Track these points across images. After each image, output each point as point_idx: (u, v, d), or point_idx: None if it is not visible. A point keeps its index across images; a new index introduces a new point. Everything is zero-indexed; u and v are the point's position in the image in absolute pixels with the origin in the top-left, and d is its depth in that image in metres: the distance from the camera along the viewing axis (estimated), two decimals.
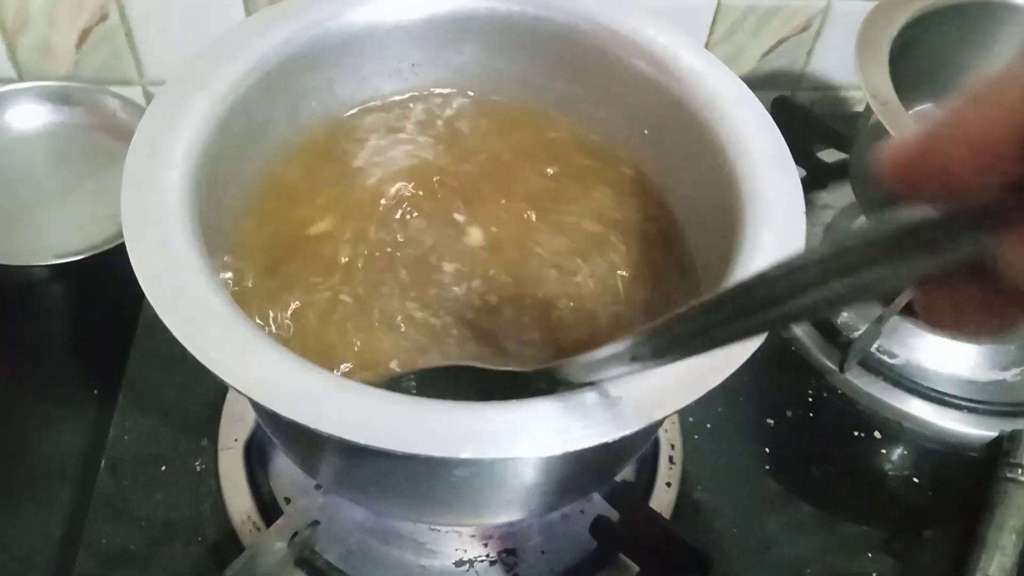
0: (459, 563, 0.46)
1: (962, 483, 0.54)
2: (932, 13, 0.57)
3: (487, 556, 0.46)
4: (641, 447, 0.45)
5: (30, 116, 0.64)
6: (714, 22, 0.68)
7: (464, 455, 0.27)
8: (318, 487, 0.45)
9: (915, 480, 0.54)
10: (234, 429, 0.49)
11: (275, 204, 0.41)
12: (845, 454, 0.55)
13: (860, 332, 0.57)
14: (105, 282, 0.56)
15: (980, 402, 0.56)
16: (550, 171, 0.44)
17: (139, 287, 0.30)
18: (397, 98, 0.45)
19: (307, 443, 0.37)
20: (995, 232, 0.15)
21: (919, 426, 0.55)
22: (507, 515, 0.39)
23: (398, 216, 0.43)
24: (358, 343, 0.38)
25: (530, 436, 0.28)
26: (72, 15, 0.63)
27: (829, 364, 0.57)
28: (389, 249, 0.41)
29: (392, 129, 0.45)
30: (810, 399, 0.56)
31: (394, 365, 0.37)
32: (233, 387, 0.28)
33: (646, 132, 0.43)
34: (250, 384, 0.28)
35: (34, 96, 0.64)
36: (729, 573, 0.48)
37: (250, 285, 0.38)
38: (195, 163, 0.35)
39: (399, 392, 0.29)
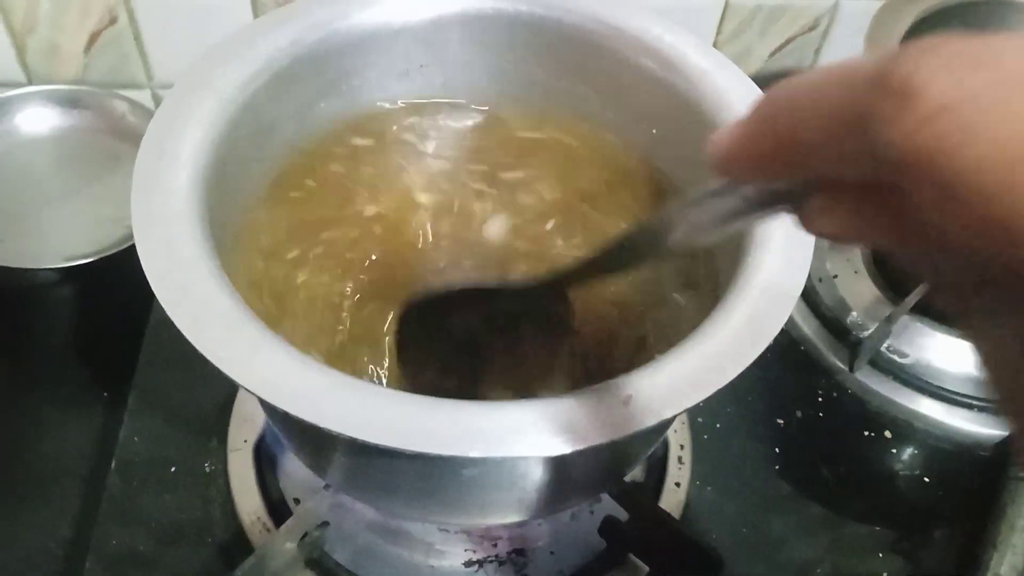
0: (468, 563, 0.46)
1: (973, 482, 0.53)
2: (941, 11, 0.57)
3: (496, 556, 0.46)
4: (651, 447, 0.45)
5: (39, 120, 0.64)
6: (721, 21, 0.68)
7: (473, 454, 0.27)
8: (327, 487, 0.45)
9: (925, 480, 0.53)
10: (243, 430, 0.50)
11: (283, 206, 0.42)
12: (855, 454, 0.54)
13: (870, 331, 0.57)
14: (113, 285, 0.56)
15: (991, 401, 0.56)
16: (562, 173, 0.44)
17: (148, 289, 0.30)
18: (405, 101, 0.45)
19: (316, 442, 0.37)
20: (800, 205, 0.19)
21: (929, 425, 0.55)
22: (516, 515, 0.39)
23: (407, 219, 0.43)
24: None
25: (539, 435, 0.28)
26: (80, 18, 0.63)
27: (839, 363, 0.57)
28: (397, 250, 0.41)
29: (399, 133, 0.45)
30: (820, 399, 0.56)
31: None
32: (241, 385, 0.28)
33: (655, 132, 0.43)
34: (258, 382, 0.28)
35: (43, 100, 0.65)
36: (739, 573, 0.48)
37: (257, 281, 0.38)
38: (204, 164, 0.35)
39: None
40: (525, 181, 0.44)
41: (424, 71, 0.44)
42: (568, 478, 0.37)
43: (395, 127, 0.45)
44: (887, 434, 0.55)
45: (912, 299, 0.55)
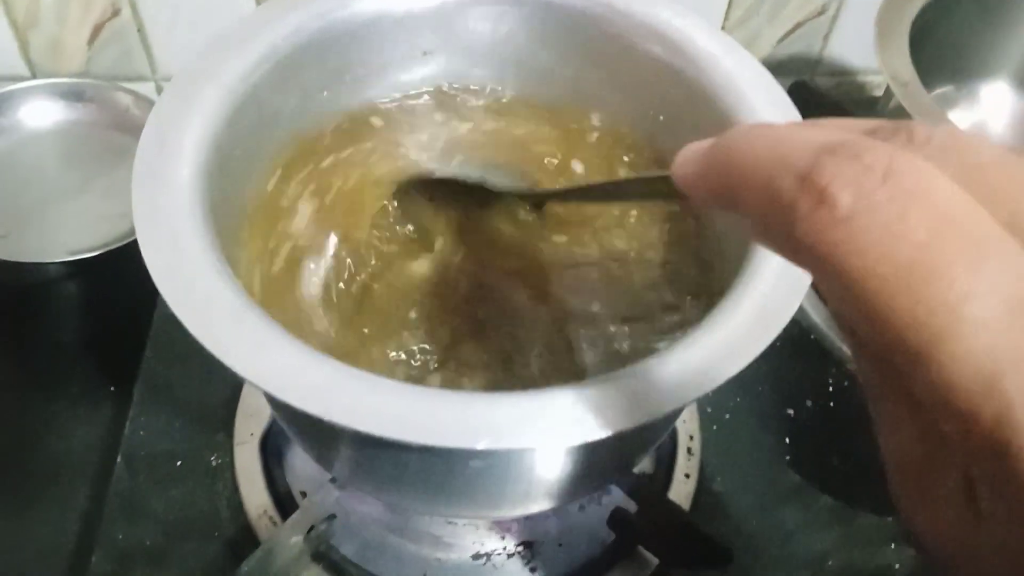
0: (476, 556, 0.46)
1: None
2: None
3: (504, 549, 0.46)
4: (659, 438, 0.45)
5: (42, 114, 0.64)
6: (729, 7, 0.67)
7: (479, 446, 0.27)
8: (334, 481, 0.44)
9: None
10: (250, 424, 0.49)
11: (287, 196, 0.41)
12: (867, 444, 0.53)
13: None
14: (119, 279, 0.56)
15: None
16: (568, 161, 0.44)
17: (153, 283, 0.30)
18: (410, 88, 0.45)
19: (322, 436, 0.37)
20: None
21: None
22: (524, 507, 0.39)
23: (412, 210, 0.42)
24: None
25: (546, 426, 0.27)
26: (83, 11, 0.63)
27: (850, 352, 0.56)
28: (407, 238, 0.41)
29: (404, 120, 0.45)
30: (831, 388, 0.56)
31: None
32: (246, 379, 0.28)
33: (662, 118, 0.42)
34: (263, 375, 0.28)
35: (46, 93, 0.64)
36: (748, 565, 0.48)
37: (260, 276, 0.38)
38: (206, 156, 0.35)
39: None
40: (532, 164, 0.44)
41: (429, 58, 0.44)
42: (576, 470, 0.36)
43: (400, 115, 0.45)
44: None
45: None
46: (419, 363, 0.38)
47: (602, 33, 0.41)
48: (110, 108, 0.65)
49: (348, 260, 0.40)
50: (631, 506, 0.46)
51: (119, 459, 0.48)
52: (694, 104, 0.39)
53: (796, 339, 0.57)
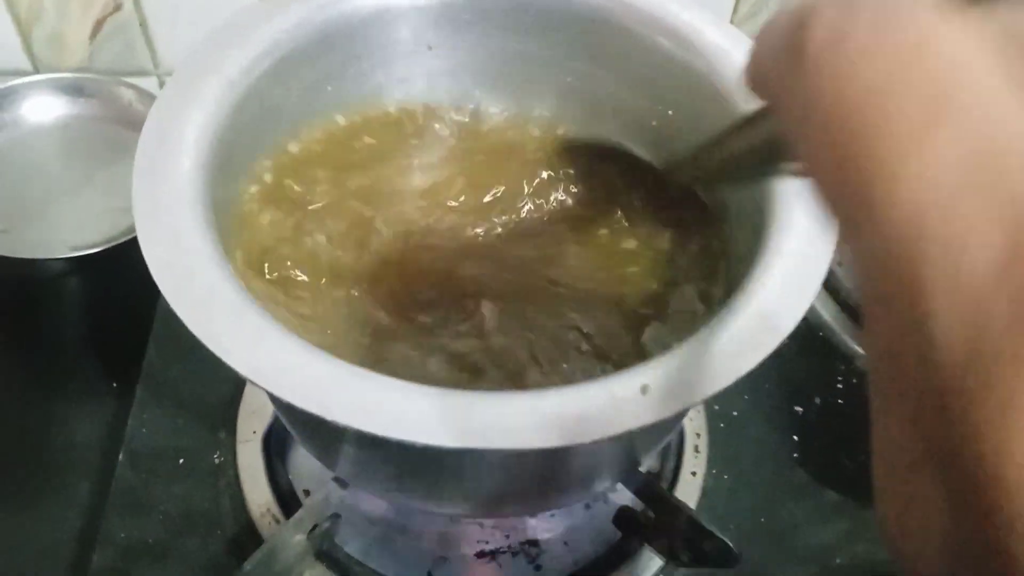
0: (480, 554, 0.45)
1: None
2: None
3: (509, 547, 0.46)
4: (666, 436, 0.44)
5: (45, 108, 0.64)
6: (738, 1, 0.66)
7: (483, 446, 0.27)
8: (337, 479, 0.44)
9: None
10: (252, 421, 0.49)
11: (289, 192, 0.41)
12: None
13: None
14: (121, 274, 0.56)
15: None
16: (569, 167, 0.43)
17: None
18: (414, 83, 0.44)
19: (323, 434, 0.36)
20: None
21: None
22: (529, 506, 0.38)
23: (417, 205, 0.42)
24: None
25: (552, 426, 0.27)
26: (85, 6, 0.62)
27: (859, 349, 0.56)
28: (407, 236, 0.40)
29: (408, 115, 0.44)
30: (839, 385, 0.55)
31: None
32: (245, 376, 0.27)
33: (670, 113, 0.41)
34: (263, 373, 0.27)
35: (48, 88, 0.64)
36: (756, 561, 0.47)
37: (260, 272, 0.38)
38: (207, 150, 0.34)
39: None
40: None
41: (433, 53, 0.43)
42: (582, 469, 0.36)
43: (404, 110, 0.44)
44: None
45: None
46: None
47: (609, 27, 0.41)
48: (112, 103, 0.64)
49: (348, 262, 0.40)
50: (637, 504, 0.46)
51: (121, 456, 0.48)
52: (702, 97, 0.39)
53: (804, 336, 0.57)
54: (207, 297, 0.29)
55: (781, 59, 0.17)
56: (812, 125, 0.16)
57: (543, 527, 0.46)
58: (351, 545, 0.45)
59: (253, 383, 0.27)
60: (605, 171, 0.43)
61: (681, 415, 0.40)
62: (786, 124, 0.17)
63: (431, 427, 0.27)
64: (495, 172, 0.43)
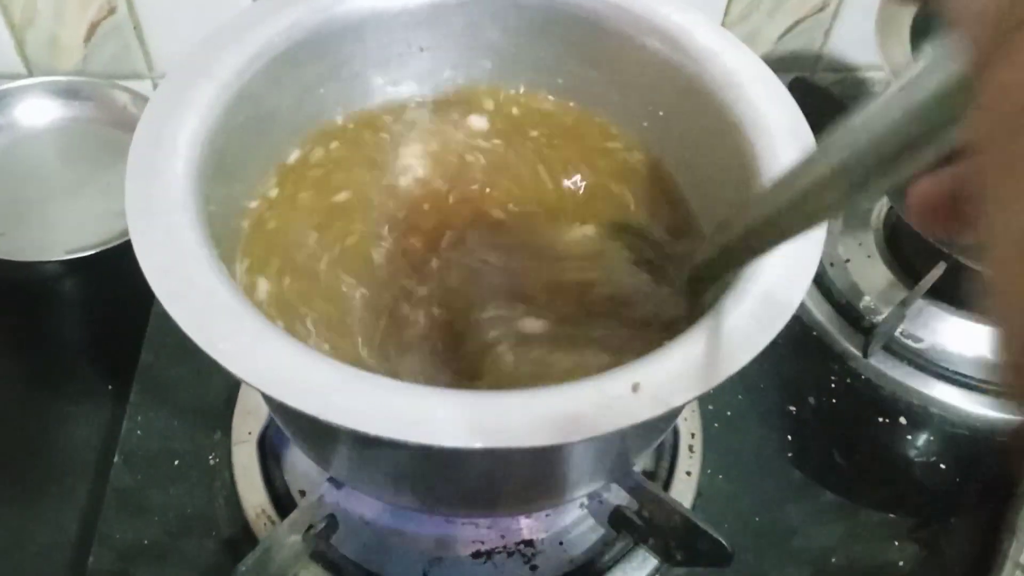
0: (476, 555, 0.45)
1: (990, 468, 0.52)
2: None
3: (504, 547, 0.46)
4: (660, 435, 0.44)
5: (39, 112, 0.64)
6: (730, 3, 0.67)
7: (477, 445, 0.27)
8: (332, 480, 0.44)
9: (941, 466, 0.53)
10: (248, 422, 0.49)
11: (284, 194, 0.41)
12: (869, 441, 0.54)
13: (884, 316, 0.56)
14: (116, 277, 0.55)
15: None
16: (564, 166, 0.44)
17: None
18: (406, 85, 0.44)
19: (318, 435, 0.36)
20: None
21: (945, 411, 0.54)
22: (523, 506, 0.38)
23: (410, 205, 0.42)
24: None
25: (545, 425, 0.27)
26: (80, 9, 0.62)
27: (852, 349, 0.56)
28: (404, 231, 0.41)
29: (401, 116, 0.44)
30: (833, 385, 0.55)
31: None
32: (240, 378, 0.27)
33: (661, 114, 0.42)
34: (258, 375, 0.27)
35: (43, 91, 0.64)
36: (751, 562, 0.47)
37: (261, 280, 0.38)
38: (200, 152, 0.34)
39: None
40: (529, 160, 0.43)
41: (425, 54, 0.44)
42: (576, 468, 0.36)
43: (397, 111, 0.44)
44: (902, 420, 0.54)
45: (927, 283, 0.54)
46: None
47: (601, 29, 0.41)
48: (107, 106, 0.64)
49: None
50: (632, 504, 0.46)
51: (117, 458, 0.48)
52: (693, 99, 0.39)
53: (798, 336, 0.57)
54: (201, 299, 0.29)
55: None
56: None
57: (538, 527, 0.46)
58: (346, 546, 0.45)
59: (247, 384, 0.27)
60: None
61: (674, 414, 0.40)
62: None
63: (425, 427, 0.27)
64: (488, 172, 0.43)
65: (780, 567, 0.48)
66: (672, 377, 0.29)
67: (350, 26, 0.41)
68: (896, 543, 0.49)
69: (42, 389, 0.53)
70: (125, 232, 0.56)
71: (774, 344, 0.29)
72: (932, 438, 0.54)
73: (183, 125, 0.34)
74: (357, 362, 0.36)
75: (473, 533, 0.46)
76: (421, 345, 0.37)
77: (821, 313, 0.58)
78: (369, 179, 0.42)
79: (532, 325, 0.37)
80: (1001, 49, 0.16)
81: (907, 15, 0.54)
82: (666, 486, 0.49)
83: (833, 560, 0.48)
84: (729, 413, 0.53)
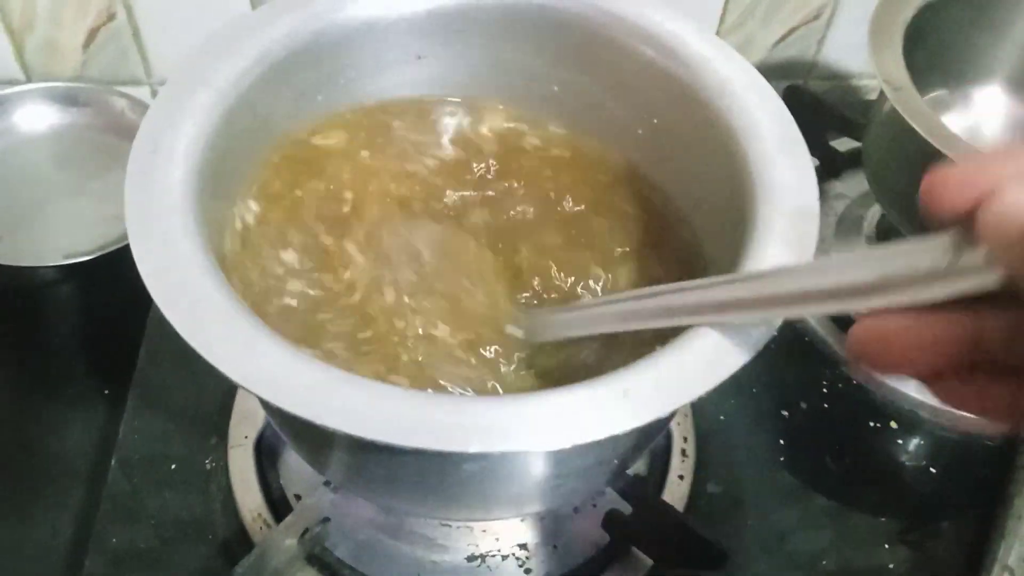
0: (471, 558, 0.46)
1: (980, 472, 0.53)
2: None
3: (499, 551, 0.46)
4: (653, 439, 0.45)
5: (37, 117, 0.64)
6: (724, 11, 0.67)
7: (472, 449, 0.27)
8: (328, 484, 0.44)
9: (932, 470, 0.53)
10: (244, 426, 0.49)
11: (281, 201, 0.41)
12: (861, 445, 0.54)
13: None
14: (114, 282, 0.56)
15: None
16: (553, 174, 0.44)
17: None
18: (403, 92, 0.45)
19: (314, 439, 0.37)
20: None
21: (936, 415, 0.55)
22: (518, 510, 0.39)
23: (406, 210, 0.42)
24: None
25: (538, 429, 0.28)
26: (79, 15, 0.63)
27: (844, 354, 0.57)
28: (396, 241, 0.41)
29: (398, 124, 0.45)
30: (825, 390, 0.56)
31: None
32: (236, 382, 0.28)
33: (656, 121, 0.42)
34: (254, 379, 0.28)
35: (41, 97, 0.64)
36: (743, 566, 0.48)
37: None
38: (198, 159, 0.35)
39: None
40: (521, 173, 0.44)
41: (422, 62, 0.44)
42: (570, 472, 0.36)
43: (393, 119, 0.45)
44: (893, 425, 0.55)
45: None
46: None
47: (596, 37, 0.41)
48: (105, 112, 0.65)
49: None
50: (626, 508, 0.46)
51: (113, 462, 0.48)
52: (686, 107, 0.39)
53: (790, 341, 0.57)
54: (198, 304, 0.29)
55: None
56: None
57: (532, 531, 0.47)
58: (342, 549, 0.45)
59: (244, 389, 0.28)
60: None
61: (667, 419, 0.40)
62: None
63: (420, 431, 0.27)
64: (483, 179, 0.44)
65: (771, 571, 0.48)
66: (666, 382, 0.29)
67: (348, 33, 0.41)
68: (887, 546, 0.50)
69: (38, 393, 0.54)
70: (123, 237, 0.57)
71: (766, 349, 0.30)
72: (922, 442, 0.54)
73: (182, 132, 0.35)
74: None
75: (467, 536, 0.46)
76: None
77: (813, 318, 0.58)
78: (363, 187, 0.43)
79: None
80: None
81: (900, 25, 0.54)
82: (659, 490, 0.49)
83: (824, 563, 0.49)
84: (722, 417, 0.53)
